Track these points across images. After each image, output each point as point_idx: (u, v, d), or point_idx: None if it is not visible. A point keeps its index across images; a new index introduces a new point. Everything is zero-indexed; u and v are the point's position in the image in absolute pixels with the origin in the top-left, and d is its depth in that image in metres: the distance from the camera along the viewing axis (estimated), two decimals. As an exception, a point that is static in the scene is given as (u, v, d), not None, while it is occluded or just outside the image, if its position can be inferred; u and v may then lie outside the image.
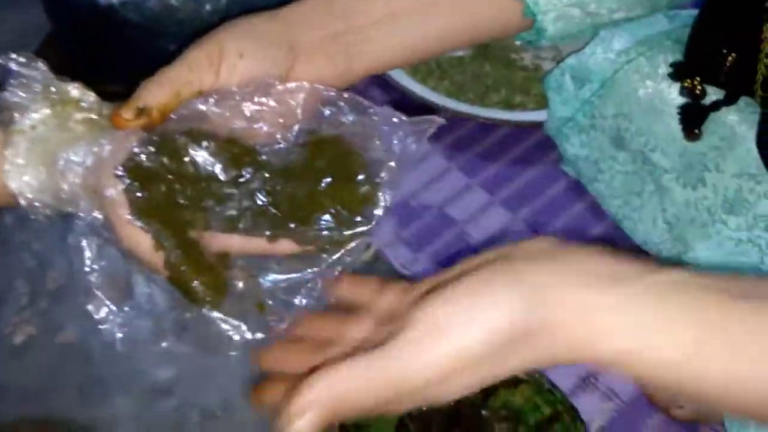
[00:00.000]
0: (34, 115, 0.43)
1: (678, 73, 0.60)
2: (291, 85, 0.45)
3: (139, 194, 0.43)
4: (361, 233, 0.45)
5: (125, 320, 0.46)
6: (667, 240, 0.63)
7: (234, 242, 0.45)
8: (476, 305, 0.34)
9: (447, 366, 0.33)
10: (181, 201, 0.44)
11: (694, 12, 0.61)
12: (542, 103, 0.75)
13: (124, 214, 0.43)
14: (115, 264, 0.45)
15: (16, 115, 0.44)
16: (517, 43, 0.81)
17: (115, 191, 0.43)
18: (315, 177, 0.45)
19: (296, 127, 0.45)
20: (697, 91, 0.59)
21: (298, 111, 0.45)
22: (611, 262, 0.34)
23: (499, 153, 0.76)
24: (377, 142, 0.45)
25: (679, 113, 0.60)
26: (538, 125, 0.75)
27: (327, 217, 0.44)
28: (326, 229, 0.44)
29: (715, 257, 0.59)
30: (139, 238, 0.43)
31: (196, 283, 0.44)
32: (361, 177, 0.45)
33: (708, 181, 0.59)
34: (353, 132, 0.45)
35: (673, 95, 0.60)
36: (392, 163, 0.44)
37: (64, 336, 0.69)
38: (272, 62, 0.46)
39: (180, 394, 0.68)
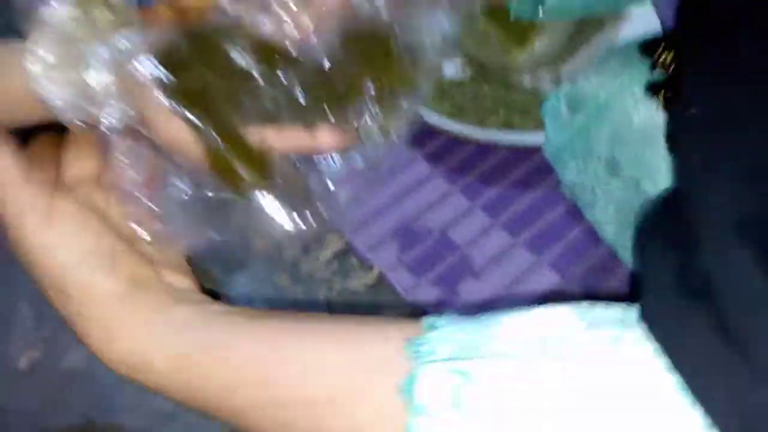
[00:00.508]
0: (60, 12, 0.41)
1: (653, 89, 0.61)
2: None
3: (176, 85, 0.42)
4: (407, 117, 0.44)
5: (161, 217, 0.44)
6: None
7: (273, 136, 0.45)
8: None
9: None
10: (218, 94, 0.43)
11: None
12: (542, 124, 0.76)
13: (160, 100, 0.42)
14: (155, 165, 0.44)
15: (38, 11, 0.41)
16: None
17: (151, 83, 0.42)
18: (351, 69, 0.44)
19: (328, 31, 0.44)
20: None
21: (330, 14, 0.44)
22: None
23: (499, 175, 0.76)
24: (417, 25, 0.44)
25: (666, 139, 0.60)
26: (537, 148, 0.75)
27: (369, 101, 0.44)
28: (369, 112, 0.44)
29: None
30: (176, 126, 0.43)
31: (240, 166, 0.43)
32: (399, 58, 0.44)
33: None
34: (390, 22, 0.44)
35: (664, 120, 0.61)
36: (432, 51, 0.44)
37: (70, 360, 0.69)
38: None
39: (185, 419, 0.68)
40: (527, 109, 0.81)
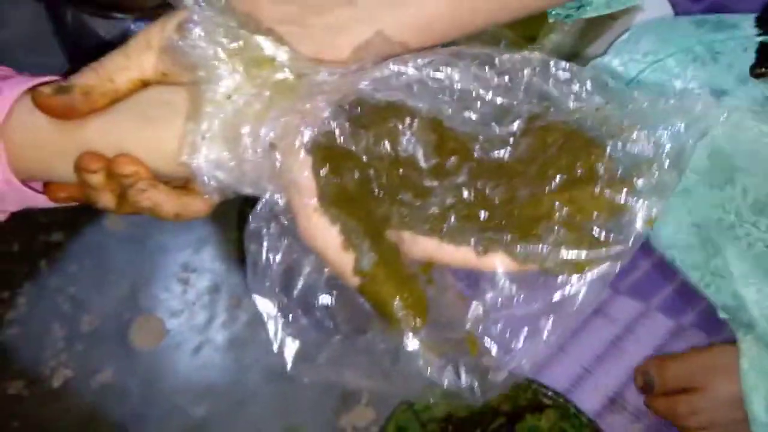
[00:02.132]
0: (227, 82, 0.36)
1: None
2: (516, 55, 0.35)
3: (329, 179, 0.35)
4: (609, 256, 0.33)
5: (299, 333, 0.37)
6: (695, 244, 0.62)
7: (436, 249, 0.36)
8: None
9: None
10: (377, 191, 0.36)
11: (722, 17, 0.61)
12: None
13: (311, 202, 0.36)
14: (295, 259, 0.37)
15: (202, 73, 0.36)
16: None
17: (301, 174, 0.35)
18: (540, 175, 0.35)
19: (516, 109, 0.35)
20: None
21: (521, 89, 0.35)
22: None
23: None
24: (637, 132, 0.34)
25: (756, 51, 0.58)
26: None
27: (558, 228, 0.34)
28: (557, 245, 0.34)
29: (745, 259, 0.59)
30: (327, 234, 0.36)
31: (394, 299, 0.35)
32: (608, 179, 0.34)
33: (737, 182, 0.58)
34: (598, 119, 0.35)
35: (705, 95, 0.60)
36: (662, 161, 0.33)
37: (101, 377, 0.71)
38: None
39: (215, 431, 0.69)
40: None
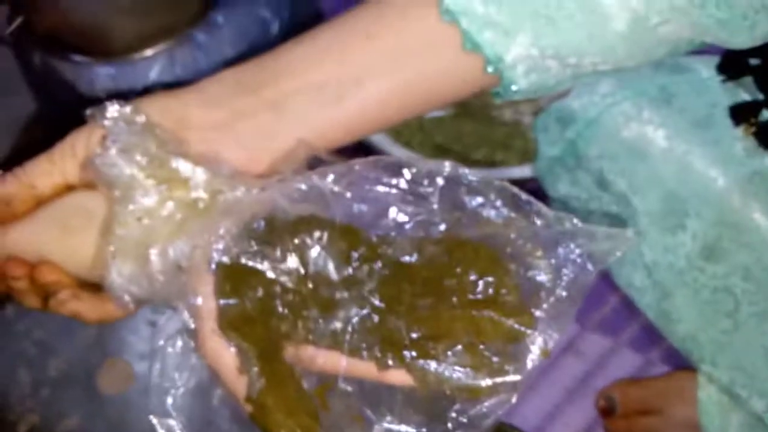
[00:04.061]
0: (140, 203, 0.37)
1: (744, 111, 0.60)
2: (429, 164, 0.36)
3: (229, 300, 0.36)
4: (505, 385, 0.33)
5: None
6: (648, 285, 0.63)
7: (338, 362, 0.37)
8: None
9: None
10: (280, 308, 0.36)
11: (679, 60, 0.63)
12: (523, 158, 0.76)
13: (209, 323, 0.36)
14: (199, 381, 0.38)
15: (117, 193, 0.37)
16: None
17: (202, 296, 0.36)
18: (446, 291, 0.35)
19: (429, 219, 0.36)
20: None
21: (434, 199, 0.36)
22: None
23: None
24: (539, 259, 0.34)
25: (730, 114, 0.59)
26: (520, 182, 0.76)
27: (459, 351, 0.34)
28: (456, 370, 0.34)
29: (692, 304, 0.60)
30: (224, 357, 0.36)
31: (281, 417, 0.35)
32: (509, 304, 0.34)
33: (688, 227, 0.59)
34: (504, 237, 0.35)
35: (658, 139, 0.61)
36: (560, 292, 0.34)
37: (68, 423, 0.70)
38: None
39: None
40: (509, 144, 0.82)
